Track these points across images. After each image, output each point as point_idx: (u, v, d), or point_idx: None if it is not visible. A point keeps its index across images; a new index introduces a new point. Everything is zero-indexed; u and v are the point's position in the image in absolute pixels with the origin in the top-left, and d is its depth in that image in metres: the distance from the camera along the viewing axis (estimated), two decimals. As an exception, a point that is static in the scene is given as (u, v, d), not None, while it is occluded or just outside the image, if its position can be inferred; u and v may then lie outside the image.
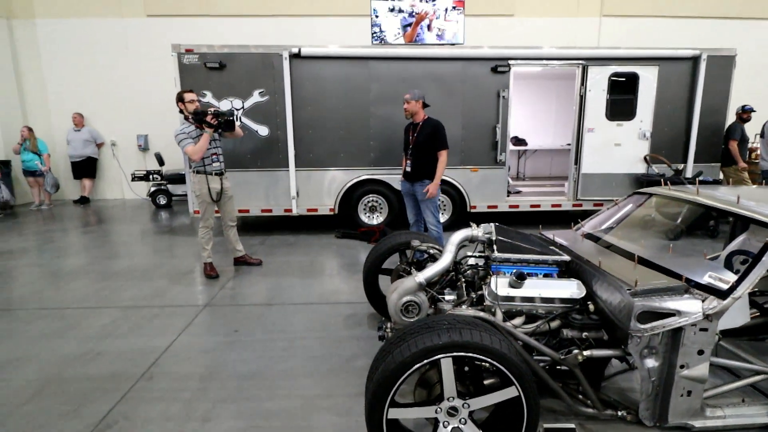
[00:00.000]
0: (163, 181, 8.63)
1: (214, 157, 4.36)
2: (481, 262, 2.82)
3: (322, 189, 6.16)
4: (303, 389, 2.58)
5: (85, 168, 9.07)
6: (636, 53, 6.03)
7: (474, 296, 2.48)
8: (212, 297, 4.01)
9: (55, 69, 9.16)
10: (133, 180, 8.63)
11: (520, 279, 2.34)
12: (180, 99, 4.24)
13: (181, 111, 4.29)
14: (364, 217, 6.34)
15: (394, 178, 6.14)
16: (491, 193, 6.33)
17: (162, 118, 9.15)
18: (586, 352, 2.17)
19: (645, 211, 3.18)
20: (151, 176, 8.57)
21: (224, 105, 5.81)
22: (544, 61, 6.00)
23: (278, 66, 5.76)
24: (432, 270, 2.49)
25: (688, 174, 6.30)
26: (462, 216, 6.38)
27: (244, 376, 2.72)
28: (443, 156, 4.31)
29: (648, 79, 6.08)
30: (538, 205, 6.49)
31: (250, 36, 8.64)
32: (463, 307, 2.37)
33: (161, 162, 8.63)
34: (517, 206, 6.45)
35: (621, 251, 2.65)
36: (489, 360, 1.75)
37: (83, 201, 9.05)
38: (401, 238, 3.29)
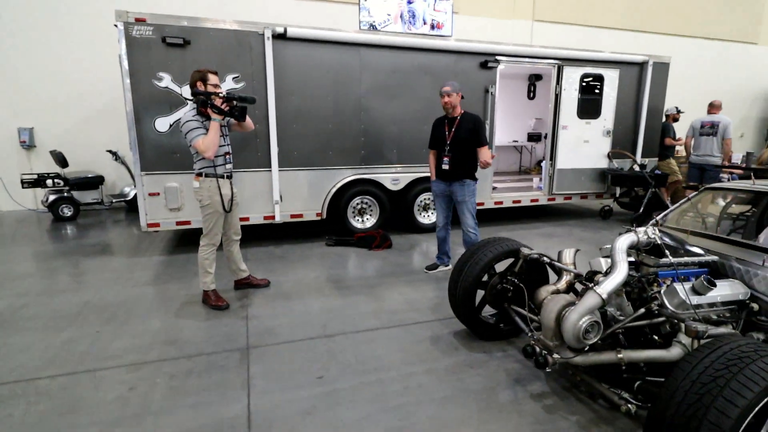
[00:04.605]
0: (65, 187, 6.79)
1: (228, 156, 3.45)
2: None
3: (308, 191, 5.39)
4: (474, 444, 2.08)
5: (-61, 172, 6.71)
6: (603, 56, 6.47)
7: (654, 307, 2.25)
8: (245, 335, 3.14)
9: None
10: (23, 186, 6.61)
11: (710, 285, 2.19)
12: (202, 79, 3.23)
13: (194, 94, 3.28)
14: (354, 221, 5.74)
15: (386, 177, 5.67)
16: (480, 190, 6.18)
17: (54, 106, 7.21)
18: (793, 355, 2.12)
19: (725, 206, 3.32)
20: (50, 181, 6.66)
21: (187, 91, 4.69)
22: (530, 59, 6.09)
23: (257, 47, 4.85)
24: (612, 283, 2.19)
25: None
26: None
27: (387, 439, 2.11)
28: (485, 150, 4.03)
29: (611, 81, 6.57)
30: (519, 201, 6.61)
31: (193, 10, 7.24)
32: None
33: (63, 163, 6.79)
34: (501, 203, 6.47)
35: (756, 248, 2.65)
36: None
37: (-63, 217, 6.69)
38: (505, 246, 2.92)
